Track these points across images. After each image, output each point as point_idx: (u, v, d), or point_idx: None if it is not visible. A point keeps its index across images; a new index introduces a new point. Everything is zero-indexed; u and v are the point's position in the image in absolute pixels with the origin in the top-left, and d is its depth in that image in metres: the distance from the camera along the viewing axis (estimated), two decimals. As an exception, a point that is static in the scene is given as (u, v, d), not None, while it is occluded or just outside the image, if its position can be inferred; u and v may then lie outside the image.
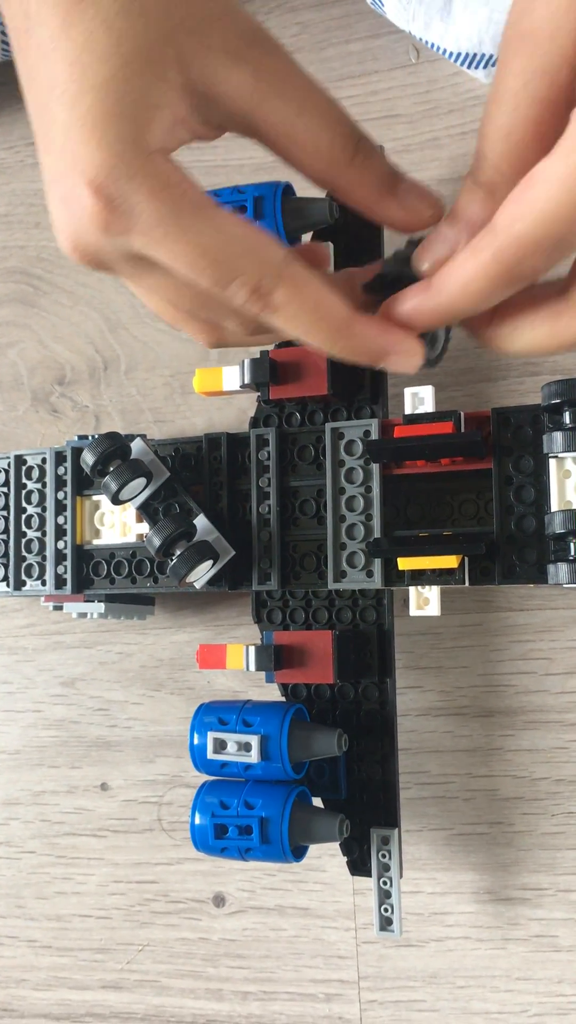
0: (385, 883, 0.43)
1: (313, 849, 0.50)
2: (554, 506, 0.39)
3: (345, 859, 0.44)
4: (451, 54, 0.49)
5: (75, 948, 0.55)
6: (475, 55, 0.49)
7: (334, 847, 0.50)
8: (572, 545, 0.37)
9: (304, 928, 0.50)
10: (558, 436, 0.38)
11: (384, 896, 0.43)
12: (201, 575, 0.44)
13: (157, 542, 0.43)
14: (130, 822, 0.54)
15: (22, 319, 0.62)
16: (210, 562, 0.43)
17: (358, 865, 0.44)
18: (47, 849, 0.56)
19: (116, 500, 0.44)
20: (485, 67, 0.50)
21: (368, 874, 0.43)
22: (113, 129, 0.27)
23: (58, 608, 0.57)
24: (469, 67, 0.50)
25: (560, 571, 0.37)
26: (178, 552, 0.43)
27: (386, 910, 0.43)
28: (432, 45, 0.50)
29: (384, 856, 0.43)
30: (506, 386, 0.49)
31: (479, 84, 0.52)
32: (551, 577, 0.38)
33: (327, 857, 0.50)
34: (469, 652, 0.49)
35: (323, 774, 0.44)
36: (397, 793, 0.44)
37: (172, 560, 0.43)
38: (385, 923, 0.43)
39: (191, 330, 0.33)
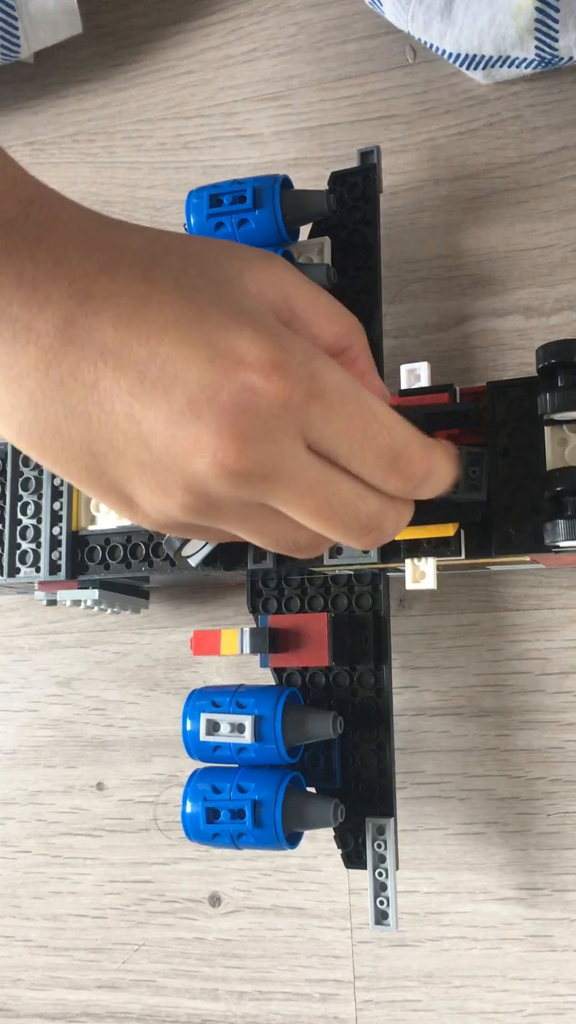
0: (381, 874, 0.42)
1: (309, 849, 0.50)
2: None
3: (340, 854, 0.44)
4: (450, 55, 0.49)
5: (71, 948, 0.55)
6: (475, 56, 0.49)
7: (330, 847, 0.50)
8: (569, 503, 0.37)
9: (300, 928, 0.50)
10: (554, 396, 0.37)
11: (379, 888, 0.42)
12: (196, 549, 0.43)
13: None
14: (126, 822, 0.54)
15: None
16: None
17: (353, 858, 0.43)
18: (43, 849, 0.56)
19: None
20: (484, 68, 0.50)
21: (363, 867, 0.43)
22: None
23: (52, 603, 0.57)
24: (468, 68, 0.50)
25: (558, 528, 0.36)
26: None
27: (381, 903, 0.42)
28: (431, 46, 0.50)
29: (380, 847, 0.42)
30: (503, 386, 0.49)
31: (477, 85, 0.52)
32: (548, 535, 0.37)
33: (323, 857, 0.50)
34: (465, 652, 0.49)
35: (318, 763, 0.44)
36: (393, 782, 0.43)
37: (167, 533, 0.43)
38: (380, 916, 0.42)
39: (313, 550, 0.35)
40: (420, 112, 0.53)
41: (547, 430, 0.39)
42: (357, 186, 0.48)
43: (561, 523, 0.36)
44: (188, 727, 0.42)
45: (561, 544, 0.37)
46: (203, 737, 0.41)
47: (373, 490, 0.32)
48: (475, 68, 0.50)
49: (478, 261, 0.51)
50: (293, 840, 0.41)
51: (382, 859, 0.42)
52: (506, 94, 0.52)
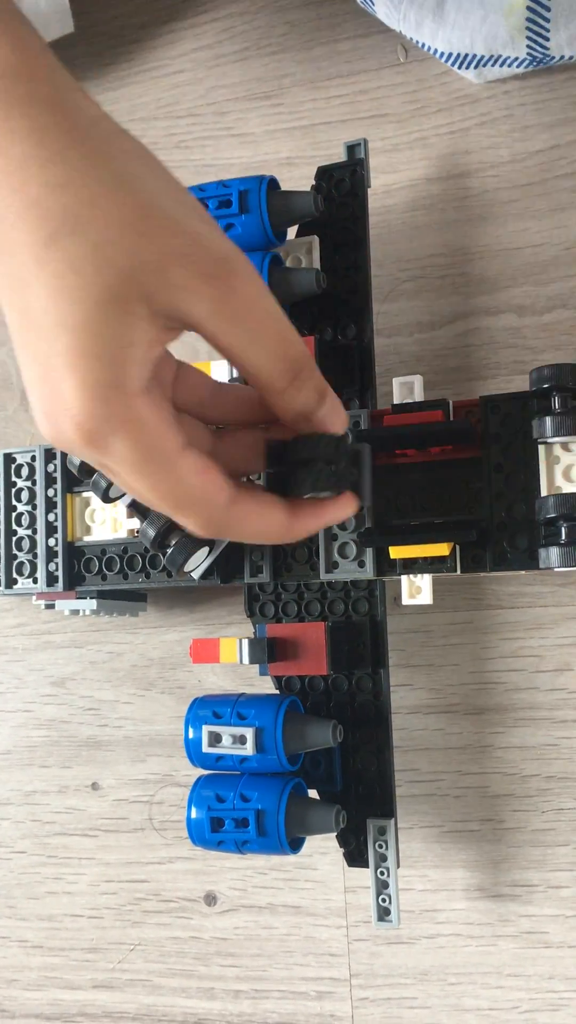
0: (382, 873, 0.43)
1: (305, 848, 0.50)
2: (544, 491, 0.39)
3: (340, 855, 0.44)
4: (442, 54, 0.49)
5: (66, 948, 0.55)
6: (466, 55, 0.49)
7: (326, 845, 0.50)
8: (563, 529, 0.37)
9: (295, 926, 0.50)
10: (547, 421, 0.38)
11: (382, 887, 0.43)
12: (198, 563, 0.43)
13: (151, 533, 0.42)
14: (121, 821, 0.54)
15: (11, 318, 0.62)
16: (206, 549, 0.43)
17: (355, 856, 0.44)
18: (38, 849, 0.56)
19: (106, 498, 0.44)
20: (476, 67, 0.50)
21: (365, 865, 0.43)
22: (92, 373, 0.29)
23: (50, 607, 0.57)
24: (460, 67, 0.50)
25: (551, 555, 0.37)
26: (173, 542, 0.43)
27: (383, 900, 0.43)
28: (423, 45, 0.50)
29: (381, 847, 0.43)
30: (495, 384, 0.49)
31: (468, 83, 0.52)
32: (542, 561, 0.38)
33: (318, 855, 0.50)
34: (460, 650, 0.49)
35: (318, 766, 0.44)
36: (393, 783, 0.44)
37: (168, 550, 0.43)
38: (383, 913, 0.43)
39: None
40: (412, 111, 0.53)
41: (541, 448, 0.39)
42: (344, 181, 0.48)
43: (554, 550, 0.37)
44: (191, 735, 0.42)
45: (555, 569, 0.38)
46: (206, 749, 0.42)
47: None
48: (467, 67, 0.50)
49: (471, 260, 0.51)
50: (296, 846, 0.42)
51: (383, 858, 0.43)
52: (498, 93, 0.52)
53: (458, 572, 0.41)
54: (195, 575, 0.44)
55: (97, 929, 0.54)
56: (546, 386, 0.38)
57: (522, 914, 0.47)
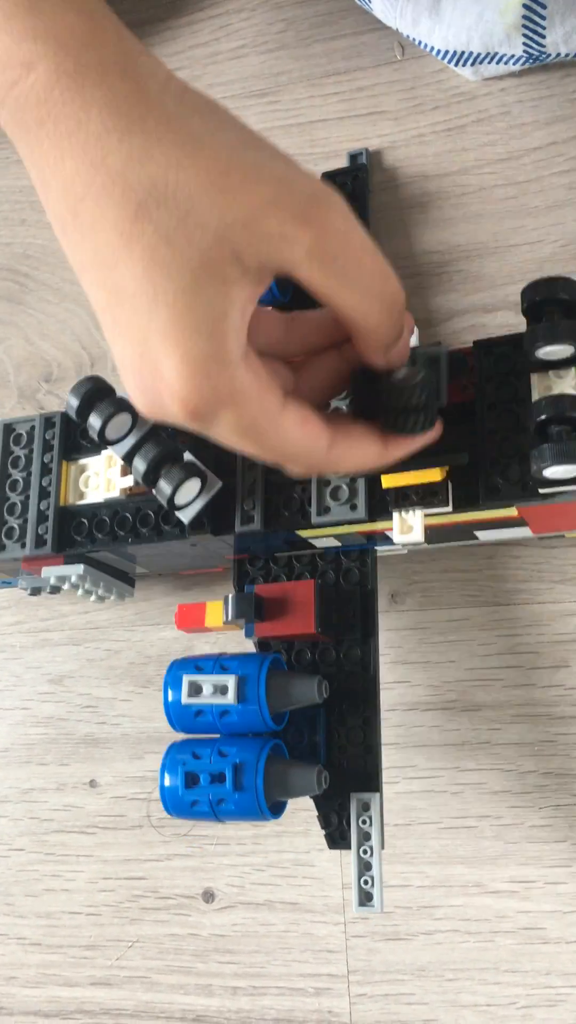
0: (366, 852, 0.41)
1: (302, 844, 0.50)
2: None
3: (338, 852, 0.44)
4: (439, 51, 0.50)
5: (64, 945, 0.55)
6: (463, 53, 0.49)
7: (322, 842, 0.50)
8: (555, 431, 0.36)
9: (293, 923, 0.50)
10: (538, 330, 0.37)
11: (364, 868, 0.41)
12: (189, 499, 0.42)
13: (143, 467, 0.41)
14: (119, 819, 0.54)
15: (8, 316, 0.62)
16: (198, 483, 0.42)
17: (336, 839, 0.42)
18: (36, 846, 0.56)
19: (103, 438, 0.42)
20: (472, 64, 0.50)
21: (347, 847, 0.41)
22: (194, 348, 0.29)
23: (36, 591, 0.56)
24: (456, 65, 0.50)
25: (544, 453, 0.36)
26: (164, 474, 0.42)
27: (366, 883, 0.40)
28: (419, 42, 0.50)
29: (365, 823, 0.41)
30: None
31: (464, 81, 0.52)
32: (534, 461, 0.36)
33: (316, 852, 0.50)
34: (457, 647, 0.49)
35: (302, 739, 0.43)
36: (379, 757, 0.42)
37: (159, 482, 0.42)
38: (365, 898, 0.40)
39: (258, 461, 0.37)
40: (409, 108, 0.53)
41: (533, 377, 0.39)
42: (346, 186, 0.48)
43: (547, 447, 0.36)
44: (170, 697, 0.40)
45: (547, 472, 0.36)
46: (185, 700, 0.40)
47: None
48: (463, 64, 0.50)
49: (467, 257, 0.51)
50: (276, 810, 0.40)
51: (367, 836, 0.41)
52: (494, 90, 0.52)
53: (450, 508, 0.40)
54: (186, 516, 0.43)
55: (95, 926, 0.54)
56: (538, 299, 0.37)
57: (520, 910, 0.47)
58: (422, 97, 0.53)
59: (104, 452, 0.48)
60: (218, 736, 0.41)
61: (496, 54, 0.49)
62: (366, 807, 0.42)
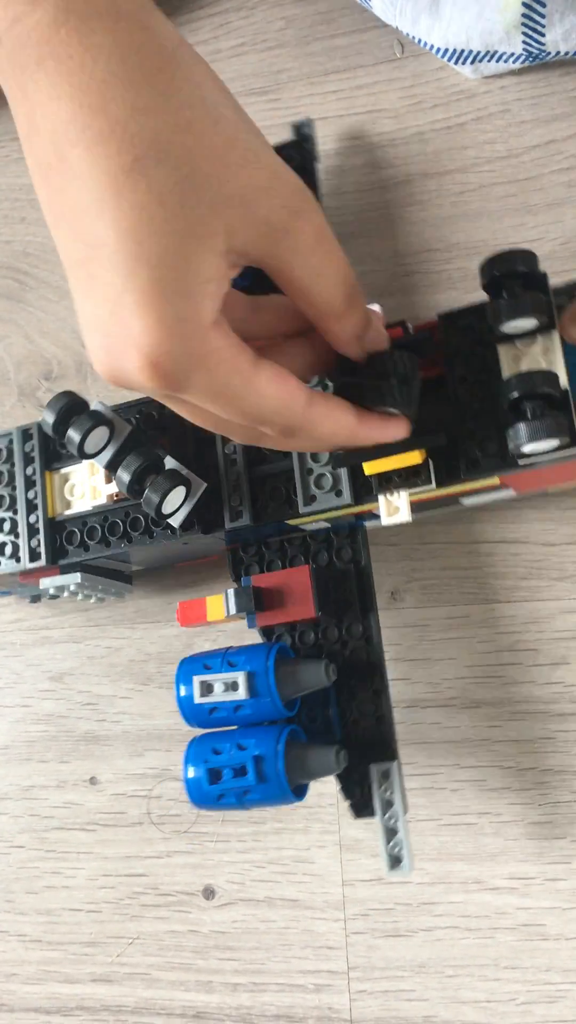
0: (390, 819, 0.42)
1: (302, 841, 0.50)
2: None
3: (338, 849, 0.44)
4: (438, 50, 0.50)
5: (65, 942, 0.55)
6: (462, 51, 0.49)
7: (323, 839, 0.50)
8: (528, 408, 0.37)
9: (293, 919, 0.50)
10: (501, 305, 0.37)
11: (391, 834, 0.42)
12: (176, 506, 0.43)
13: (127, 478, 0.42)
14: (119, 816, 0.55)
15: (8, 314, 0.62)
16: (183, 490, 0.43)
17: (360, 807, 0.43)
18: (36, 843, 0.56)
19: (82, 452, 0.43)
20: (472, 63, 0.50)
21: (371, 814, 0.43)
22: (171, 308, 0.28)
23: (36, 599, 0.57)
24: (456, 63, 0.50)
25: (520, 432, 0.36)
26: (149, 483, 0.42)
27: (394, 847, 0.42)
28: (419, 41, 0.50)
29: (386, 791, 0.42)
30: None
31: (464, 79, 0.52)
32: (511, 440, 0.37)
33: (316, 849, 0.50)
34: (456, 644, 0.49)
35: (316, 719, 0.44)
36: (392, 726, 0.43)
37: (145, 492, 0.42)
38: (394, 862, 0.42)
39: (230, 437, 0.36)
40: (408, 106, 0.53)
41: (500, 349, 0.39)
42: (293, 159, 0.48)
43: (521, 426, 0.36)
44: (182, 692, 0.41)
45: (524, 448, 0.37)
46: (197, 700, 0.41)
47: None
48: (463, 63, 0.50)
49: (467, 255, 0.51)
50: (300, 792, 0.41)
51: (390, 804, 0.42)
52: (494, 88, 0.52)
53: (433, 484, 0.40)
54: (175, 522, 0.44)
55: (96, 923, 0.54)
56: (497, 274, 0.37)
57: (519, 907, 0.47)
58: (422, 95, 0.53)
59: (85, 460, 0.48)
60: (235, 728, 0.42)
61: (496, 52, 0.49)
62: (386, 776, 0.43)
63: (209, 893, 0.52)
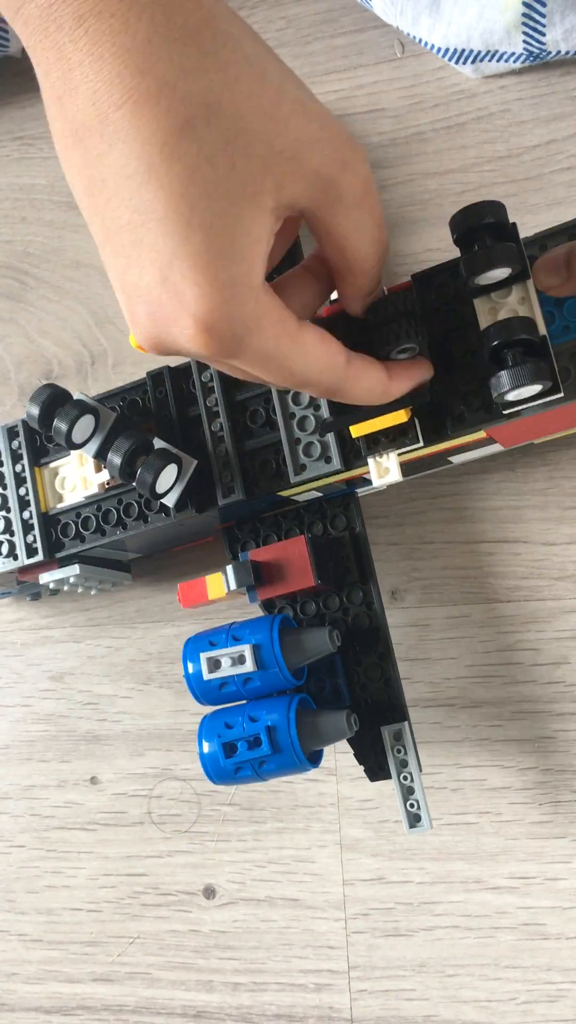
0: (406, 779, 0.43)
1: (302, 840, 0.50)
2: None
3: (338, 848, 0.44)
4: (439, 49, 0.50)
5: (66, 941, 0.55)
6: (463, 51, 0.49)
7: (324, 838, 0.50)
8: (508, 355, 0.37)
9: (294, 919, 0.51)
10: (472, 258, 0.37)
11: (407, 793, 0.43)
12: (169, 485, 0.43)
13: (118, 460, 0.42)
14: (120, 815, 0.55)
15: (8, 314, 0.62)
16: (175, 469, 0.43)
17: (375, 770, 0.44)
18: (37, 843, 0.56)
19: (70, 442, 0.43)
20: (473, 63, 0.50)
21: (387, 776, 0.43)
22: (224, 272, 0.27)
23: (36, 596, 0.57)
24: (456, 62, 0.50)
25: (501, 380, 0.36)
26: (140, 465, 0.43)
27: (412, 806, 0.43)
28: (419, 40, 0.50)
29: (399, 752, 0.43)
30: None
31: (464, 78, 0.52)
32: (493, 389, 0.37)
33: (316, 848, 0.50)
34: (457, 644, 0.49)
35: (324, 687, 0.45)
36: (400, 687, 0.44)
37: (137, 473, 0.42)
38: (414, 820, 0.43)
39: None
40: (409, 106, 0.53)
41: (476, 302, 0.39)
42: None
43: (503, 374, 0.37)
44: (190, 669, 0.42)
45: (508, 396, 0.37)
46: (206, 676, 0.41)
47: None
48: (463, 62, 0.50)
49: (467, 254, 0.51)
50: (315, 759, 0.42)
51: (404, 764, 0.43)
52: (494, 88, 0.52)
53: (421, 443, 0.41)
54: (169, 502, 0.44)
55: (96, 923, 0.54)
56: (465, 228, 0.37)
57: (520, 906, 0.47)
58: (422, 95, 0.53)
59: (73, 452, 0.48)
60: (245, 702, 0.42)
61: (496, 52, 0.49)
62: (398, 736, 0.43)
63: (210, 893, 0.52)
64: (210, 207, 0.27)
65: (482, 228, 0.37)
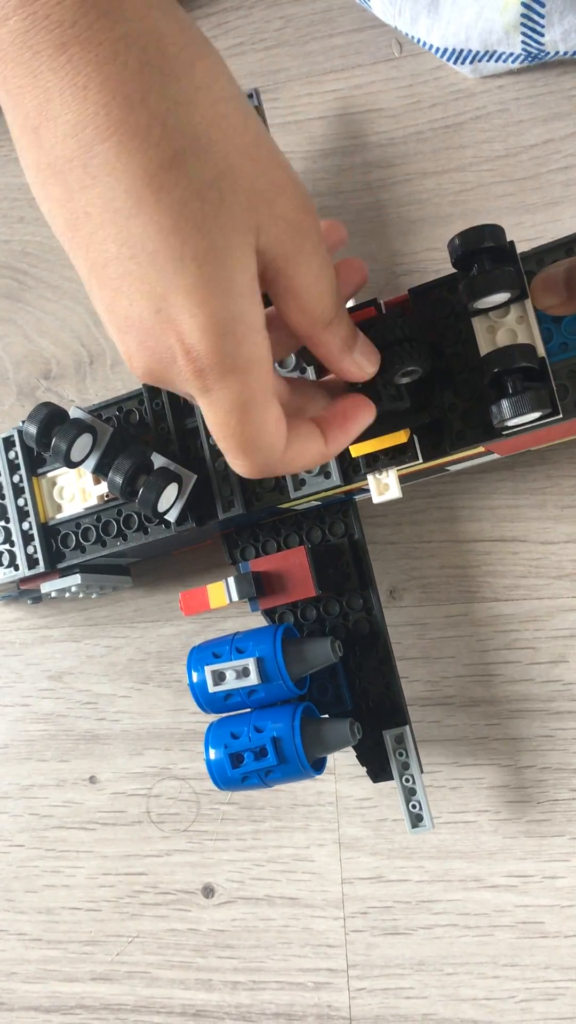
0: (408, 780, 0.44)
1: (301, 839, 0.51)
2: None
3: (337, 847, 0.44)
4: (437, 49, 0.50)
5: (65, 940, 0.55)
6: (461, 51, 0.49)
7: (323, 837, 0.50)
8: (508, 383, 0.37)
9: (293, 918, 0.51)
10: (472, 283, 0.37)
11: (409, 794, 0.44)
12: (170, 503, 0.43)
13: (119, 480, 0.42)
14: (119, 815, 0.55)
15: (7, 313, 0.62)
16: (175, 487, 0.43)
17: (378, 773, 0.45)
18: (36, 842, 0.56)
19: (69, 461, 0.44)
20: (471, 63, 0.50)
21: (389, 777, 0.44)
22: (222, 307, 0.27)
23: (36, 600, 0.57)
24: (455, 62, 0.50)
25: (503, 408, 0.37)
26: (142, 484, 0.43)
27: (414, 807, 0.44)
28: (418, 40, 0.50)
29: (401, 755, 0.44)
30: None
31: (462, 78, 0.52)
32: (495, 418, 0.37)
33: (315, 847, 0.51)
34: (455, 642, 0.49)
35: (326, 692, 0.45)
36: (401, 692, 0.45)
37: (139, 492, 0.43)
38: (416, 820, 0.44)
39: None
40: (407, 106, 0.53)
41: (474, 321, 0.39)
42: None
43: (505, 403, 0.37)
44: (195, 679, 0.42)
45: (509, 423, 0.37)
46: (212, 689, 0.42)
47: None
48: (462, 62, 0.50)
49: (465, 254, 0.51)
50: (319, 766, 0.42)
51: (406, 766, 0.44)
52: (492, 88, 0.52)
53: (420, 460, 0.41)
54: (170, 517, 0.44)
55: (95, 922, 0.54)
56: (463, 252, 0.37)
57: (518, 904, 0.47)
58: (420, 95, 0.53)
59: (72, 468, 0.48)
60: (249, 711, 0.43)
61: (495, 52, 0.49)
62: (400, 740, 0.44)
63: (208, 891, 0.52)
64: (203, 240, 0.27)
65: (481, 251, 0.37)
